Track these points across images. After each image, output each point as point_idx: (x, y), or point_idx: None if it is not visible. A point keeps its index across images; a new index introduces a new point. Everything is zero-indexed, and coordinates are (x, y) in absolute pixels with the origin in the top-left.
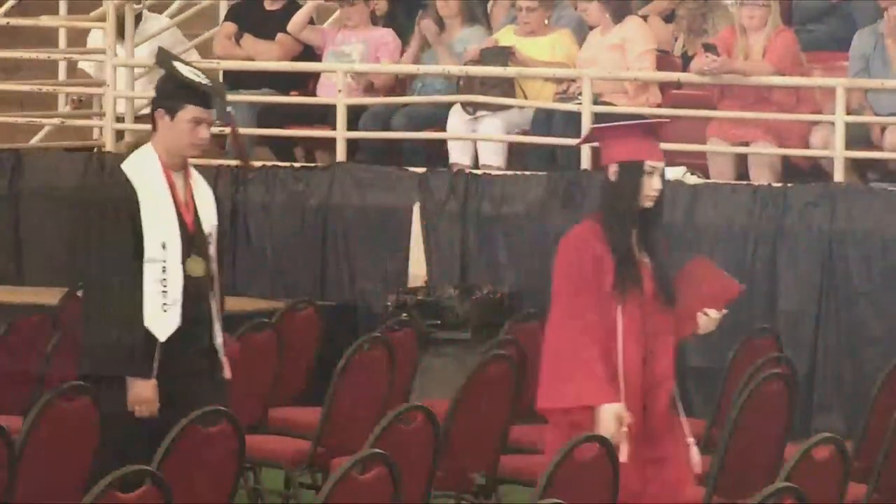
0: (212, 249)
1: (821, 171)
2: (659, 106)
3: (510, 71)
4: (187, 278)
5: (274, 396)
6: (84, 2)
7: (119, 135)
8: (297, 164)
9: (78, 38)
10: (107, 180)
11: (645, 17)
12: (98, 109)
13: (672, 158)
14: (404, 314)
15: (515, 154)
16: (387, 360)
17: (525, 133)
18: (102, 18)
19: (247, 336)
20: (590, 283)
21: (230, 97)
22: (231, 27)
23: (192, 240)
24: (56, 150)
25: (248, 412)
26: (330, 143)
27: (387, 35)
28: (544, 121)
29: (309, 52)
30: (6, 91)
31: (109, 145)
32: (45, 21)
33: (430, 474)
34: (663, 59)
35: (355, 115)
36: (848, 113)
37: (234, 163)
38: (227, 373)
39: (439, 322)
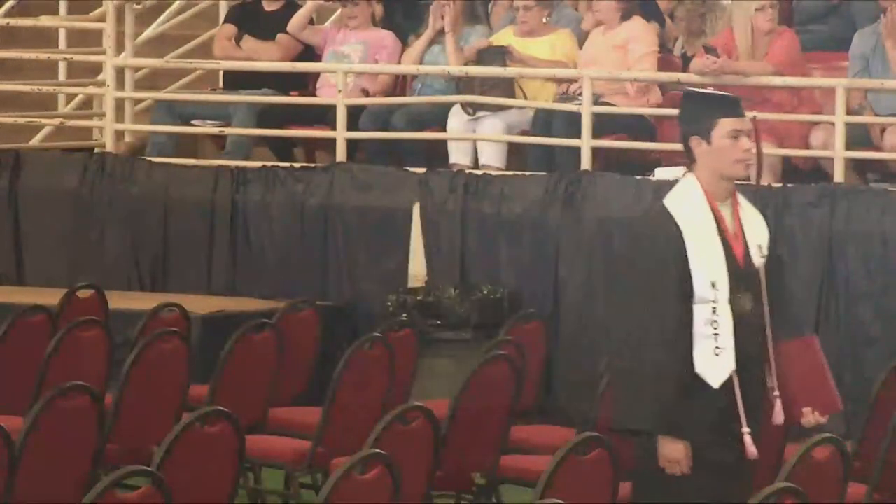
0: (763, 282)
1: (821, 171)
2: (659, 106)
3: (510, 71)
4: (736, 316)
5: (274, 396)
6: (84, 2)
7: (119, 135)
8: (297, 164)
9: (78, 38)
10: (649, 217)
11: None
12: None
13: (672, 158)
14: (404, 314)
15: (515, 154)
16: (387, 360)
17: (525, 133)
18: (102, 18)
19: (247, 336)
20: None
21: (228, 98)
22: (231, 29)
23: (741, 274)
24: (56, 150)
25: (248, 412)
26: (330, 144)
27: (386, 37)
28: (544, 121)
29: (309, 52)
30: (6, 91)
31: (109, 146)
32: (45, 21)
33: (430, 474)
34: (663, 60)
35: (355, 116)
36: (848, 113)
37: (234, 163)
38: (779, 418)
39: (439, 322)
